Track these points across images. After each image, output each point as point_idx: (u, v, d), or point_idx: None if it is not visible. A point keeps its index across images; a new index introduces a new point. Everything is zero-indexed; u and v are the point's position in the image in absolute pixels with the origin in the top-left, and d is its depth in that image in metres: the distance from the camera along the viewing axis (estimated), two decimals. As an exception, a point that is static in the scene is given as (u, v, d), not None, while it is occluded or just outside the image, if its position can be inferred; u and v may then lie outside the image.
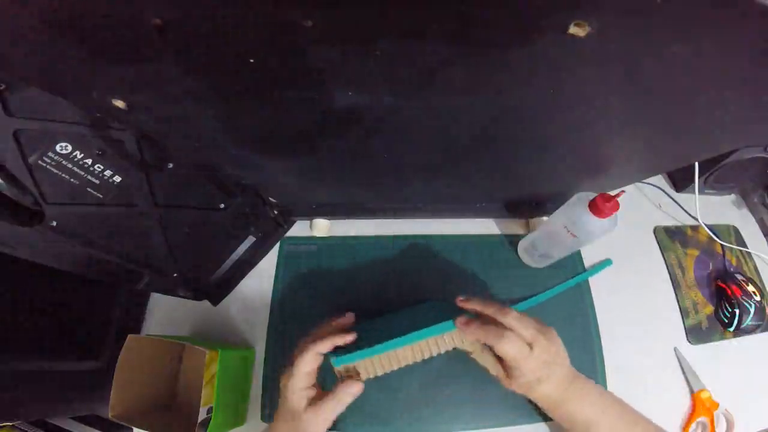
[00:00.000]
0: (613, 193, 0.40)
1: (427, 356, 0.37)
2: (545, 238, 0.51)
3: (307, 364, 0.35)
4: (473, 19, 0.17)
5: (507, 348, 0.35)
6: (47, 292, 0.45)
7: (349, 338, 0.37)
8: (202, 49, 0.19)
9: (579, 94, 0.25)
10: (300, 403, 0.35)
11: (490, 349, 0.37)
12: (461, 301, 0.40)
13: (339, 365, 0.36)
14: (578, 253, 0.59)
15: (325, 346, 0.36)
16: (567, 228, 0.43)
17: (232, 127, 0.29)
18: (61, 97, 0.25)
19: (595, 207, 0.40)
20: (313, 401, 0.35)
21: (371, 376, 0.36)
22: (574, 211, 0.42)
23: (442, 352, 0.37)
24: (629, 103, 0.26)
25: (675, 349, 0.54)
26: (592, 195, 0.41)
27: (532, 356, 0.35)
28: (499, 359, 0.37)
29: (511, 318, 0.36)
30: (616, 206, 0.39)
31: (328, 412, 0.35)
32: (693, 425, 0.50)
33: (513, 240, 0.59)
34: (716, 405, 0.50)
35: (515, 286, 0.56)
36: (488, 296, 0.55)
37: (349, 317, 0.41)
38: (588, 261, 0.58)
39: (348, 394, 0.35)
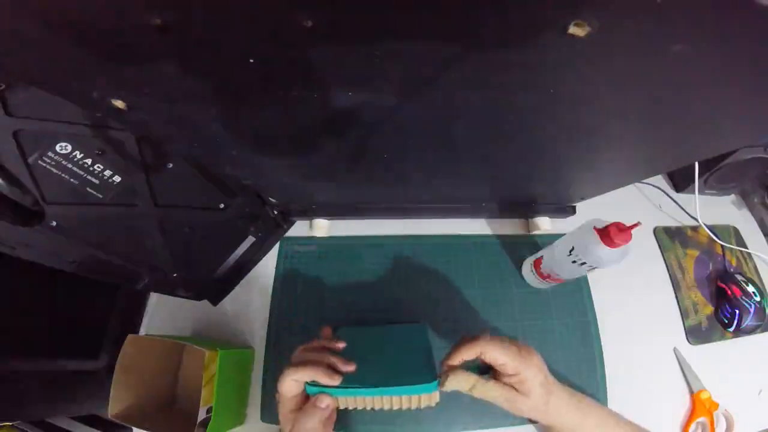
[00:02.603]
0: (628, 224, 0.38)
1: (404, 408, 0.35)
2: (550, 261, 0.48)
3: (289, 391, 0.35)
4: (473, 20, 0.17)
5: (493, 351, 0.34)
6: (47, 292, 0.45)
7: (333, 382, 0.34)
8: (201, 49, 0.19)
9: (580, 95, 0.25)
10: (287, 426, 0.35)
11: (490, 377, 0.36)
12: (449, 366, 0.36)
13: (311, 393, 0.35)
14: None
15: (305, 376, 0.34)
16: (576, 254, 0.41)
17: (232, 127, 0.29)
18: (61, 97, 0.25)
19: (606, 236, 0.38)
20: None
21: (341, 408, 0.35)
22: (583, 238, 0.40)
23: (414, 408, 0.35)
24: (629, 104, 0.26)
25: (675, 350, 0.54)
26: (601, 222, 0.39)
27: (529, 361, 0.35)
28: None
29: (482, 340, 0.35)
30: (628, 238, 0.37)
31: (305, 427, 0.34)
32: (693, 425, 0.50)
33: (513, 240, 0.60)
34: (716, 405, 0.50)
35: (515, 287, 0.56)
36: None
37: (339, 344, 0.39)
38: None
39: (316, 408, 0.34)
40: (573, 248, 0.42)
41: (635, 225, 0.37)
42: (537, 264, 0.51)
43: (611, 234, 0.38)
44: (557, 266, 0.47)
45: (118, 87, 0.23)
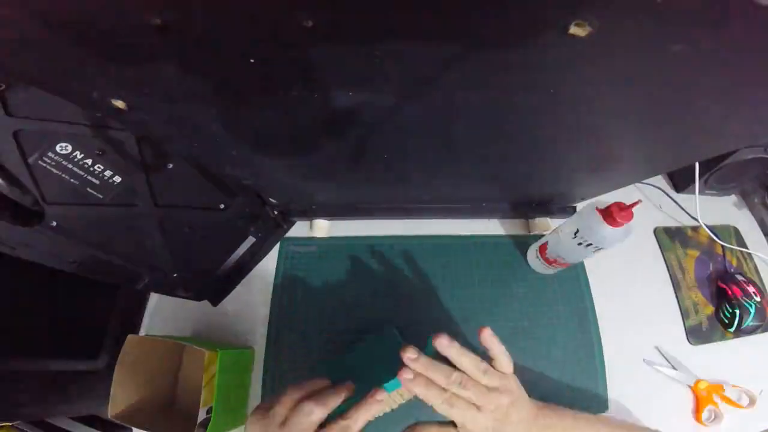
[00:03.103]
0: (627, 202, 0.39)
1: (387, 410, 0.36)
2: (556, 246, 0.49)
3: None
4: (474, 20, 0.17)
5: (452, 414, 0.33)
6: (47, 292, 0.45)
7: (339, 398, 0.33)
8: (201, 49, 0.19)
9: (580, 95, 0.25)
10: None
11: None
12: (408, 359, 0.34)
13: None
14: (581, 263, 0.58)
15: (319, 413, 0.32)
16: (580, 236, 0.43)
17: (232, 127, 0.29)
18: (61, 97, 0.25)
19: (609, 216, 0.40)
20: None
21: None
22: (587, 219, 0.42)
23: (403, 402, 0.37)
24: (630, 104, 0.26)
25: (674, 349, 0.54)
26: (603, 203, 0.41)
27: (479, 417, 0.33)
28: None
29: (455, 386, 0.33)
30: (630, 216, 0.39)
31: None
32: (705, 413, 0.50)
33: (514, 240, 0.59)
34: (720, 387, 0.51)
35: (515, 287, 0.56)
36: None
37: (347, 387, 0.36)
38: (590, 267, 0.58)
39: (379, 403, 0.34)
40: (577, 230, 0.43)
41: (636, 203, 0.39)
42: (542, 249, 0.52)
43: (613, 213, 0.39)
44: (563, 250, 0.48)
45: (118, 87, 0.23)
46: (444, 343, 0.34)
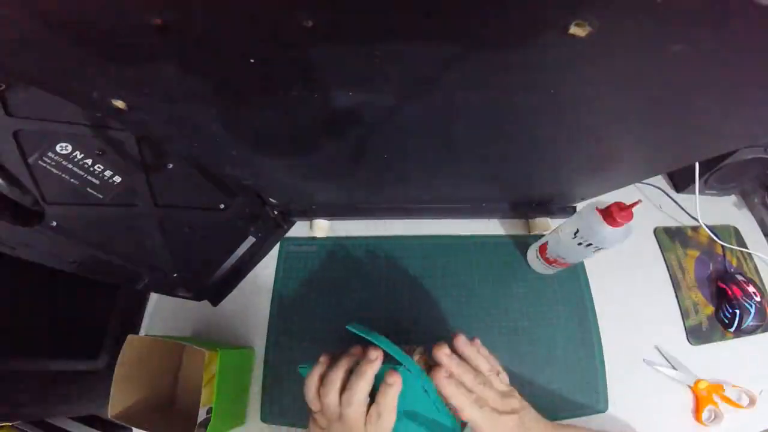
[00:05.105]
0: (627, 202, 0.39)
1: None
2: (556, 246, 0.49)
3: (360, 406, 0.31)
4: (473, 20, 0.17)
5: (478, 416, 0.31)
6: (47, 292, 0.45)
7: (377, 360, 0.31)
8: (201, 49, 0.19)
9: (580, 95, 0.25)
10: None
11: None
12: (443, 355, 0.32)
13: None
14: (581, 263, 0.58)
15: (365, 387, 0.31)
16: (580, 236, 0.43)
17: (232, 127, 0.29)
18: (61, 97, 0.25)
19: (609, 216, 0.40)
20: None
21: None
22: (587, 219, 0.42)
23: None
24: (630, 104, 0.26)
25: (674, 349, 0.54)
26: (603, 203, 0.41)
27: (504, 420, 0.32)
28: None
29: (479, 387, 0.32)
30: (630, 216, 0.39)
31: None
32: (705, 413, 0.50)
33: (514, 240, 0.59)
34: (720, 387, 0.51)
35: (516, 287, 0.56)
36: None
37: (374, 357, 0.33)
38: (590, 267, 0.58)
39: (391, 387, 0.31)
40: (578, 230, 0.43)
41: (636, 203, 0.39)
42: (542, 249, 0.52)
43: (613, 213, 0.39)
44: (563, 250, 0.48)
45: (118, 87, 0.23)
46: (462, 341, 0.33)
